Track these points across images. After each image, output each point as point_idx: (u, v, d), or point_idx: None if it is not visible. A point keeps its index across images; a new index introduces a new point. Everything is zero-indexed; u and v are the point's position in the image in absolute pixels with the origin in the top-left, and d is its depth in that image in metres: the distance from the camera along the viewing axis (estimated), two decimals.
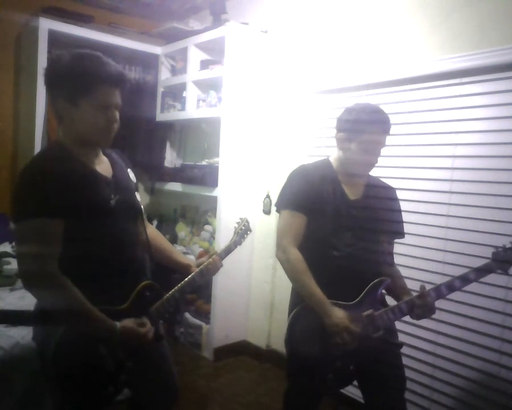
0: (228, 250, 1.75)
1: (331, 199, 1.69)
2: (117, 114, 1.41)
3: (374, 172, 1.87)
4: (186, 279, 1.61)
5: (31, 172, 1.32)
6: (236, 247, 1.77)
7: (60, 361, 1.31)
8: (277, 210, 1.79)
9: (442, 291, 1.61)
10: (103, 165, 1.48)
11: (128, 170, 1.60)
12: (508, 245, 1.57)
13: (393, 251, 1.85)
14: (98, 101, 1.34)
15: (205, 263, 1.66)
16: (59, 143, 1.41)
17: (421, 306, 1.60)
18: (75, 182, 1.34)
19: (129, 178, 1.58)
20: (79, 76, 1.33)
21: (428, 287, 1.65)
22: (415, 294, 1.65)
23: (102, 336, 1.36)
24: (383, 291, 1.71)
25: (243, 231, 1.81)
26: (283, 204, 1.75)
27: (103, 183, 1.44)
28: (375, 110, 1.69)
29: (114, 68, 1.38)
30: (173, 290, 1.57)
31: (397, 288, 1.74)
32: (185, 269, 1.67)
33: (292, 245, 1.67)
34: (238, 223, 1.83)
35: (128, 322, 1.39)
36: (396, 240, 1.86)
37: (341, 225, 1.68)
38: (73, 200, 1.31)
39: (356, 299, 1.64)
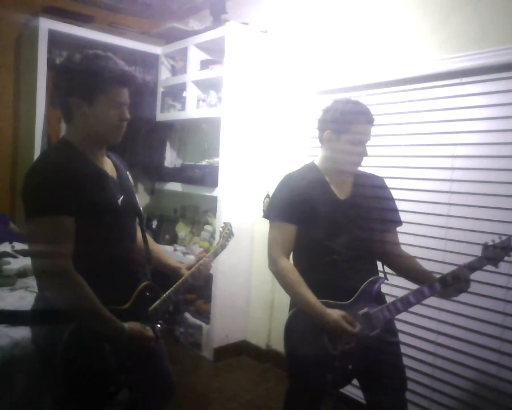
0: (216, 253, 1.83)
1: (322, 202, 1.69)
2: (126, 111, 1.45)
3: (374, 172, 1.87)
4: (180, 280, 1.64)
5: (44, 169, 1.33)
6: (222, 250, 1.87)
7: (68, 360, 1.31)
8: (265, 218, 1.80)
9: (435, 288, 1.62)
10: (108, 166, 1.51)
11: (127, 172, 1.63)
12: (497, 241, 1.58)
13: (398, 241, 1.85)
14: (113, 99, 1.38)
15: (196, 265, 1.69)
16: (67, 141, 1.42)
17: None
18: (87, 181, 1.36)
19: (129, 180, 1.62)
20: (97, 74, 1.35)
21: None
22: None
23: (109, 336, 1.37)
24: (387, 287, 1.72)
25: (227, 235, 1.89)
26: (271, 215, 1.76)
27: (111, 182, 1.46)
28: (357, 105, 1.71)
29: (126, 68, 1.43)
30: (168, 291, 1.60)
31: (415, 272, 1.75)
32: (174, 272, 1.70)
33: (282, 256, 1.68)
34: (222, 227, 1.91)
35: (135, 324, 1.41)
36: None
37: (336, 227, 1.68)
38: (86, 198, 1.34)
39: (352, 299, 1.64)
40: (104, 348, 1.36)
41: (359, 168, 1.79)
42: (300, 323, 1.65)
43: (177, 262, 1.76)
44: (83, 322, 1.34)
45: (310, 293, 1.61)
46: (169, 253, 3.49)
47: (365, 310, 1.61)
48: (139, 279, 1.53)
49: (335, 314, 1.57)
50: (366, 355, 1.62)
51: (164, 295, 1.57)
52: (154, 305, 1.53)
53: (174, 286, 1.62)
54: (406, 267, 1.78)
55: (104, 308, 1.35)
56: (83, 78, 1.35)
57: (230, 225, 1.93)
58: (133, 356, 1.44)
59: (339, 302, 1.63)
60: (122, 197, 1.48)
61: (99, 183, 1.41)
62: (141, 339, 1.42)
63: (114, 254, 1.44)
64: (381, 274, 1.79)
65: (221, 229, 1.91)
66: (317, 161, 1.81)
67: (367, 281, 1.66)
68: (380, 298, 1.73)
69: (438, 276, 1.66)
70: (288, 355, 1.71)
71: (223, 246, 1.87)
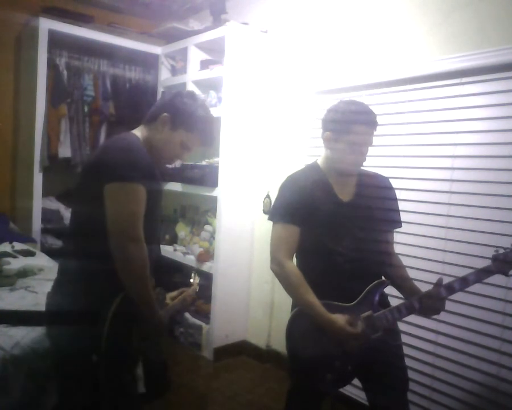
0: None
1: (324, 204, 1.68)
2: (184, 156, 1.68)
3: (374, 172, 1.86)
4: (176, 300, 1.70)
5: (126, 147, 1.47)
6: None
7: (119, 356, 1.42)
8: (269, 219, 1.79)
9: (441, 292, 1.61)
10: None
11: None
12: (508, 248, 1.57)
13: (393, 249, 1.85)
14: (187, 140, 1.60)
15: (184, 294, 1.74)
16: (136, 136, 1.56)
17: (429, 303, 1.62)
18: (154, 169, 1.52)
19: None
20: (194, 119, 1.59)
21: (428, 287, 1.65)
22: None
23: (149, 313, 1.48)
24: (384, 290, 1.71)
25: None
26: (275, 216, 1.74)
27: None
28: (359, 107, 1.67)
29: (214, 131, 1.69)
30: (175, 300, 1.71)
31: (399, 280, 1.75)
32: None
33: (287, 258, 1.67)
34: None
35: (162, 311, 1.56)
36: (397, 240, 1.85)
37: (339, 230, 1.67)
38: (155, 182, 1.50)
39: (355, 301, 1.63)
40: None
41: (365, 168, 1.78)
42: (302, 323, 1.65)
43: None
44: (139, 289, 1.43)
45: (315, 299, 1.60)
46: (169, 253, 3.50)
47: (368, 313, 1.60)
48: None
49: (339, 320, 1.57)
50: (368, 356, 1.61)
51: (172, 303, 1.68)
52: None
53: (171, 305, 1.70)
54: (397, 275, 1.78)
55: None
56: (187, 113, 1.57)
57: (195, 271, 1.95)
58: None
59: (342, 304, 1.62)
60: None
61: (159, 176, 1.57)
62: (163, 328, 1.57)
63: (153, 246, 1.55)
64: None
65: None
66: (320, 161, 1.79)
67: (372, 284, 1.65)
68: (384, 301, 1.72)
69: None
70: (290, 354, 1.71)
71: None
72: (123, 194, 1.40)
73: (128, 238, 1.37)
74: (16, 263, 2.57)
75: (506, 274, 1.59)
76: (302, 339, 1.66)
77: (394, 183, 1.86)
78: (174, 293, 1.73)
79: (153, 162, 1.52)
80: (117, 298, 1.40)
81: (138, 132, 1.59)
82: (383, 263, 1.75)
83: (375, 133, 1.69)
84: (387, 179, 1.84)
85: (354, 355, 1.60)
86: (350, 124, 1.63)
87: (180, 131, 1.57)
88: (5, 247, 2.83)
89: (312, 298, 1.60)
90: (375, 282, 1.66)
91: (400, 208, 1.85)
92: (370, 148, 1.71)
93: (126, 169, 1.39)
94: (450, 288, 1.61)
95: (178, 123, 1.57)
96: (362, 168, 1.78)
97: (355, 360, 1.63)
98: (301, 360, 1.67)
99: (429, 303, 1.61)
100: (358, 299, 1.64)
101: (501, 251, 1.58)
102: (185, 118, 1.57)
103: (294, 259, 1.74)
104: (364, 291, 1.64)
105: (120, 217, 1.38)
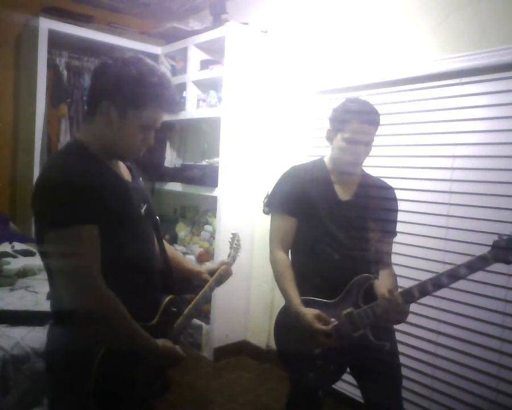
0: (233, 260, 1.75)
1: (322, 201, 1.67)
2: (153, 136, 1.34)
3: (374, 172, 1.86)
4: (199, 294, 1.55)
5: (63, 176, 1.17)
6: (234, 262, 1.75)
7: (101, 379, 1.20)
8: (267, 212, 1.79)
9: (428, 288, 1.53)
10: (124, 172, 1.40)
11: (139, 177, 1.52)
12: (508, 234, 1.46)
13: (391, 251, 1.80)
14: (147, 121, 1.27)
15: (219, 270, 1.62)
16: (81, 144, 1.28)
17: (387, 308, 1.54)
18: (110, 188, 1.25)
19: (143, 184, 1.51)
20: (142, 91, 1.23)
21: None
22: None
23: (143, 354, 1.27)
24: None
25: (237, 246, 1.79)
26: (273, 207, 1.75)
27: (133, 191, 1.36)
28: (362, 106, 1.66)
29: (175, 95, 1.31)
30: (189, 305, 1.51)
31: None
32: (196, 276, 1.62)
33: (278, 248, 1.70)
34: (231, 238, 1.80)
35: (167, 342, 1.31)
36: (397, 240, 1.84)
37: (333, 227, 1.66)
38: (110, 207, 1.22)
39: (337, 298, 1.61)
40: (139, 366, 1.28)
41: (372, 173, 1.78)
42: (287, 318, 1.66)
43: (197, 266, 1.68)
44: (117, 341, 1.23)
45: (293, 290, 1.61)
46: None
47: (349, 309, 1.58)
48: (160, 292, 1.42)
49: (308, 313, 1.55)
50: (358, 353, 1.60)
51: (186, 311, 1.49)
52: (178, 321, 1.44)
53: (194, 301, 1.53)
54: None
55: (138, 326, 1.23)
56: (130, 90, 1.22)
57: (239, 236, 1.81)
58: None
59: (324, 300, 1.61)
60: (145, 206, 1.38)
61: (122, 191, 1.30)
62: (173, 357, 1.32)
63: (139, 267, 1.33)
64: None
65: (230, 240, 1.80)
66: (326, 158, 1.78)
67: (354, 280, 1.62)
68: (370, 297, 1.65)
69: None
70: (277, 349, 1.73)
71: (234, 258, 1.75)
72: (67, 243, 1.13)
73: (85, 293, 1.14)
74: (16, 263, 2.57)
75: (508, 262, 1.46)
76: (287, 334, 1.67)
77: (394, 183, 1.86)
78: (214, 265, 1.64)
79: (108, 167, 1.29)
80: (98, 355, 1.19)
81: (85, 134, 1.29)
82: (374, 265, 1.72)
83: (376, 132, 1.67)
84: (392, 189, 1.80)
85: (335, 351, 1.57)
86: (347, 120, 1.63)
87: (132, 114, 1.23)
88: (5, 247, 2.82)
89: (289, 289, 1.61)
90: (357, 277, 1.62)
91: (400, 208, 1.83)
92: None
93: (64, 212, 1.12)
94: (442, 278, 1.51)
95: (124, 106, 1.22)
96: (369, 173, 1.78)
97: (337, 358, 1.60)
98: (286, 355, 1.69)
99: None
100: (340, 295, 1.61)
101: (504, 238, 1.46)
102: (130, 96, 1.22)
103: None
104: (346, 287, 1.61)
105: (68, 271, 1.14)
